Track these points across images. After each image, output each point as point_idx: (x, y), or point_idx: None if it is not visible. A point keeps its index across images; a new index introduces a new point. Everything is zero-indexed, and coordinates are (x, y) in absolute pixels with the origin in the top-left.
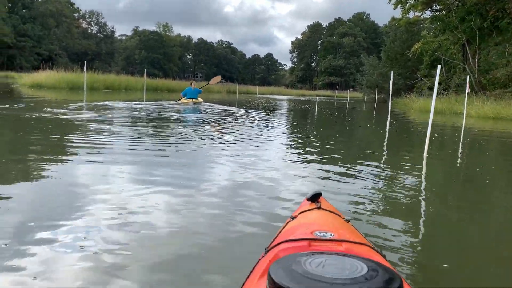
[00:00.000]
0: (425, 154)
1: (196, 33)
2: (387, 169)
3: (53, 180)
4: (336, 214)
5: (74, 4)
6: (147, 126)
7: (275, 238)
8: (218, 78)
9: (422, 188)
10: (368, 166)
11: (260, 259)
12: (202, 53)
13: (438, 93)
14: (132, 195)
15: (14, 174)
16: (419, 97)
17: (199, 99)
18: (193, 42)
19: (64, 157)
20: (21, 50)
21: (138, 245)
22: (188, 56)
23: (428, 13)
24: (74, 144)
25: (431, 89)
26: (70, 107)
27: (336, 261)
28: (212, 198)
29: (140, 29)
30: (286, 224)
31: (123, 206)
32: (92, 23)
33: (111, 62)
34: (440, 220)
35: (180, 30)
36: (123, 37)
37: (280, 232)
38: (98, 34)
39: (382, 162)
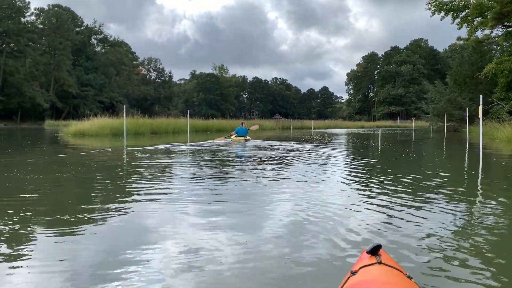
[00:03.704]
0: None
1: (253, 73)
2: (467, 211)
3: (118, 226)
4: (398, 270)
5: (135, 52)
6: (196, 166)
7: None
8: (256, 127)
9: None
10: (444, 212)
11: None
12: (257, 91)
13: None
14: (195, 235)
15: (80, 222)
16: (498, 123)
17: (248, 137)
18: (248, 81)
19: (124, 204)
20: (84, 99)
21: (201, 282)
22: (244, 95)
23: (498, 31)
24: (129, 190)
25: (511, 113)
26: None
27: None
28: (269, 242)
29: (197, 72)
30: (347, 279)
31: (188, 248)
32: (151, 69)
33: (169, 105)
34: None
35: (237, 71)
36: (182, 81)
37: None
38: (157, 80)
39: (465, 205)
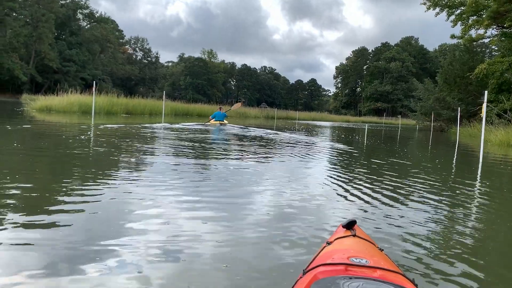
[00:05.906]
0: None
1: (243, 60)
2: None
3: (97, 203)
4: (370, 242)
5: (122, 30)
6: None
7: (312, 261)
8: (239, 104)
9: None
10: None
11: (298, 280)
12: (245, 78)
13: (508, 121)
14: (175, 215)
15: (59, 198)
16: (487, 125)
17: (225, 121)
18: (237, 68)
19: (102, 181)
20: (65, 75)
21: (181, 267)
22: (232, 82)
23: (492, 31)
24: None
25: (500, 116)
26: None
27: (372, 286)
28: (252, 220)
29: (186, 55)
30: (322, 248)
31: (168, 229)
32: (137, 49)
33: (154, 87)
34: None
35: (228, 57)
36: (170, 64)
37: (317, 256)
38: (143, 60)
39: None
